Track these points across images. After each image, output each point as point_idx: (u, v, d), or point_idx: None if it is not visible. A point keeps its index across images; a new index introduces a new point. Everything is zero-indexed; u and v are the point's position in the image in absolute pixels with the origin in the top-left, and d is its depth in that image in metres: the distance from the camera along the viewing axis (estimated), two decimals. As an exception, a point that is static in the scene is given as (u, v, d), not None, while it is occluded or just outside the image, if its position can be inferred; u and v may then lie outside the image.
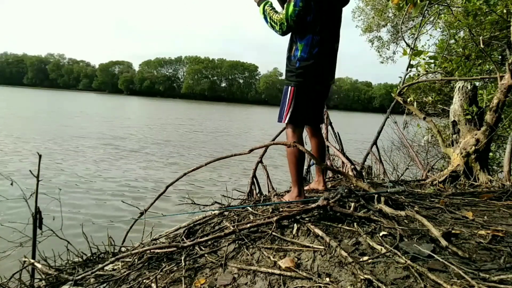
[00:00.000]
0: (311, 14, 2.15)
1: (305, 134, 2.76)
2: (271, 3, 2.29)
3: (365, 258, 1.42)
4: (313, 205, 1.81)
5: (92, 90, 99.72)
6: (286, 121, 2.31)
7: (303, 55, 2.21)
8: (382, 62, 11.71)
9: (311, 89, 2.32)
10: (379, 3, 10.29)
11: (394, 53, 11.50)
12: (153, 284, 1.49)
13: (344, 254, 1.43)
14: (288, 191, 2.60)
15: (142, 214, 2.36)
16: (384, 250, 1.44)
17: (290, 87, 2.29)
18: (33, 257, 1.99)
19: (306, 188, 2.63)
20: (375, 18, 10.59)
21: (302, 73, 2.24)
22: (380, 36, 11.39)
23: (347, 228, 1.68)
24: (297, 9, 2.09)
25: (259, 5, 2.32)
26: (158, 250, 1.77)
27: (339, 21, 2.32)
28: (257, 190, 3.52)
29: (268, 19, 2.24)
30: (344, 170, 3.47)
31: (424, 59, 4.08)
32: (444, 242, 1.44)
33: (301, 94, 2.28)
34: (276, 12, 2.23)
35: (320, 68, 2.26)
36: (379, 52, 11.60)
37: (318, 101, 2.49)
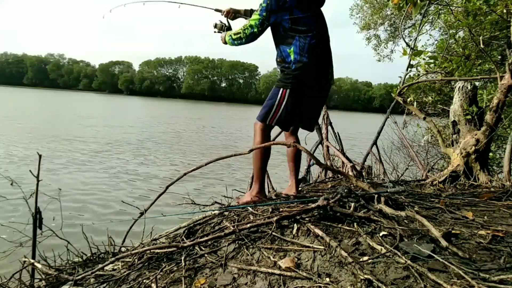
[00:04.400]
0: (286, 21, 2.18)
1: (306, 133, 2.75)
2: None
3: (365, 258, 1.42)
4: (313, 205, 1.81)
5: (92, 90, 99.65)
6: (273, 123, 2.32)
7: (296, 57, 2.21)
8: (379, 60, 11.73)
9: (309, 91, 2.29)
10: (376, 0, 10.29)
11: (392, 51, 11.52)
12: (153, 284, 1.49)
13: (344, 254, 1.43)
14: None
15: (142, 214, 2.36)
16: (384, 250, 1.44)
17: (282, 89, 2.27)
18: (33, 257, 1.99)
19: (284, 192, 2.63)
20: (373, 16, 10.60)
21: (300, 74, 2.23)
22: (377, 35, 11.40)
23: (347, 228, 1.68)
24: (260, 18, 2.21)
25: (226, 41, 2.41)
26: (158, 250, 1.77)
27: (322, 17, 2.32)
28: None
29: (233, 36, 2.33)
30: (344, 170, 3.47)
31: (424, 59, 4.08)
32: (444, 242, 1.44)
33: (294, 99, 2.26)
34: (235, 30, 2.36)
35: (316, 64, 2.24)
36: (376, 50, 11.61)
37: (314, 105, 2.44)
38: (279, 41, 2.28)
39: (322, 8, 2.35)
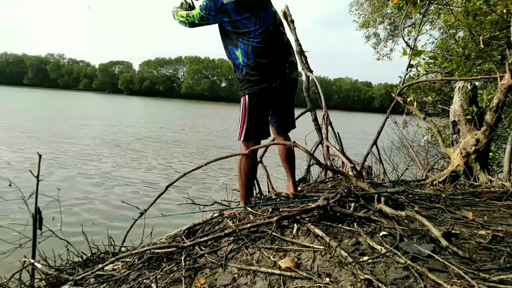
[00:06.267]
0: (227, 23, 2.18)
1: (305, 133, 2.73)
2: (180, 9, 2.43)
3: (365, 258, 1.42)
4: (313, 205, 1.81)
5: (92, 90, 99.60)
6: (241, 139, 2.28)
7: (244, 60, 2.20)
8: (378, 59, 11.66)
9: (267, 92, 2.24)
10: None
11: (391, 50, 11.47)
12: (153, 284, 1.49)
13: (344, 254, 1.43)
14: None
15: (142, 214, 2.36)
16: (384, 250, 1.44)
17: (242, 98, 2.26)
18: (33, 257, 1.99)
19: (284, 192, 2.63)
20: (373, 14, 10.57)
21: (252, 75, 2.21)
22: (377, 33, 11.35)
23: (347, 228, 1.68)
24: (201, 14, 2.23)
25: (175, 17, 2.43)
26: (158, 250, 1.77)
27: (268, 14, 2.22)
28: (257, 190, 3.52)
29: (180, 18, 2.36)
30: (344, 170, 3.47)
31: (424, 59, 4.08)
32: (444, 242, 1.44)
33: (255, 103, 2.23)
34: (185, 11, 2.38)
35: (265, 63, 2.21)
36: (375, 48, 11.56)
37: (280, 103, 2.39)
38: (227, 42, 2.29)
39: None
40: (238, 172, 2.35)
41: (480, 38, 3.45)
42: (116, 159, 9.92)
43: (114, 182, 7.47)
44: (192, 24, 2.31)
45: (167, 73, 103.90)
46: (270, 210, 2.02)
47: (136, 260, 1.78)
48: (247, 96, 2.24)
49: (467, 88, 3.26)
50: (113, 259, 1.75)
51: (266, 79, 2.23)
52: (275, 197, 2.69)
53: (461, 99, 3.27)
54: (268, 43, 2.20)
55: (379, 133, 4.79)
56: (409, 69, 4.45)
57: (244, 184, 2.33)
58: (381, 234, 1.60)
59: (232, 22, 2.17)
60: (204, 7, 2.19)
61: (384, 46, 11.46)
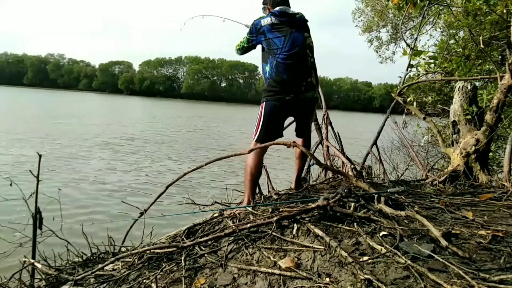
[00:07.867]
0: (263, 42, 2.53)
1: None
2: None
3: (365, 258, 1.42)
4: (313, 205, 1.81)
5: (92, 90, 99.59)
6: (254, 140, 2.50)
7: (269, 73, 2.50)
8: (381, 62, 11.69)
9: (281, 103, 2.48)
10: (378, 3, 10.29)
11: (393, 53, 11.49)
12: (153, 284, 1.49)
13: (344, 254, 1.43)
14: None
15: (142, 214, 2.36)
16: (384, 250, 1.44)
17: (261, 103, 2.53)
18: (33, 257, 1.99)
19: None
20: (375, 18, 10.59)
21: (272, 88, 2.49)
22: (379, 36, 11.38)
23: (347, 228, 1.68)
24: (247, 38, 2.64)
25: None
26: (158, 250, 1.77)
27: (298, 36, 2.49)
28: (257, 190, 3.51)
29: (236, 47, 2.76)
30: (344, 170, 3.47)
31: (424, 59, 4.08)
32: (444, 242, 1.44)
33: (269, 110, 2.48)
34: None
35: (287, 79, 2.45)
36: (377, 52, 11.58)
37: (295, 115, 2.67)
38: (262, 59, 2.60)
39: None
40: (245, 170, 2.51)
41: (480, 38, 3.45)
42: (115, 159, 9.91)
43: (114, 183, 7.46)
44: (243, 49, 2.70)
45: (167, 73, 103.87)
46: (270, 210, 2.02)
47: (136, 260, 1.78)
48: (264, 103, 2.52)
49: (467, 88, 3.26)
50: (113, 259, 1.75)
51: (283, 91, 2.49)
52: (275, 197, 2.69)
53: (461, 99, 3.27)
54: (291, 61, 2.45)
55: (379, 133, 4.78)
56: (409, 69, 4.45)
57: (249, 182, 2.46)
58: (381, 234, 1.60)
59: (266, 40, 2.51)
60: (249, 31, 2.62)
61: (386, 49, 11.50)
